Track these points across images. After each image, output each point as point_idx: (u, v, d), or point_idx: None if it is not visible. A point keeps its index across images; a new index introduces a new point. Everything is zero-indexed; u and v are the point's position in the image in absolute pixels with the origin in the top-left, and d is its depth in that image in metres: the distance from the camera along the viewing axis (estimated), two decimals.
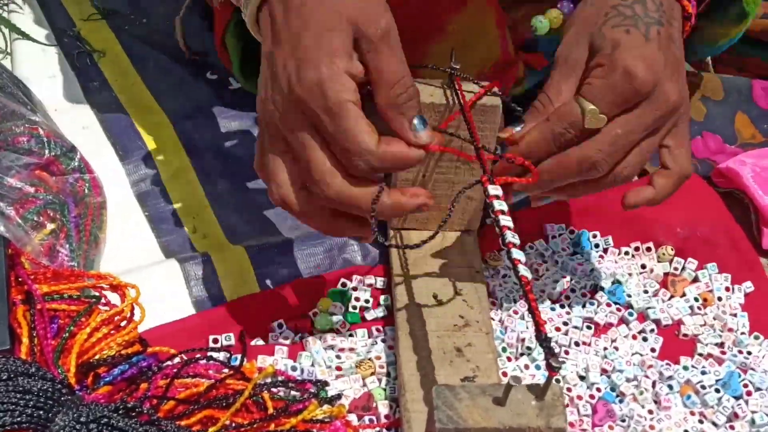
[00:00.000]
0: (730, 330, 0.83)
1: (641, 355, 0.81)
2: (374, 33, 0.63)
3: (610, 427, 0.76)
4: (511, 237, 0.66)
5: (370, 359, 0.79)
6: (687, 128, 0.73)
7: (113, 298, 0.76)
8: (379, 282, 0.84)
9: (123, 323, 0.73)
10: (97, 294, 0.74)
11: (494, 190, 0.68)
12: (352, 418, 0.75)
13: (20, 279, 0.73)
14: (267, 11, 0.65)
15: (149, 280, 0.80)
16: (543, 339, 0.61)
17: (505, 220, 0.66)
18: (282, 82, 0.63)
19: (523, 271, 0.64)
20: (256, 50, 0.90)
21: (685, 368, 0.80)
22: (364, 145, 0.62)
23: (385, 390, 0.77)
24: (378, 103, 0.64)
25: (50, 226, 0.76)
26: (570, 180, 0.71)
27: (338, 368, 0.78)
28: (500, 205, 0.67)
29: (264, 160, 0.67)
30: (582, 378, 0.79)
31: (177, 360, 0.73)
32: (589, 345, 0.81)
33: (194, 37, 1.02)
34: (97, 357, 0.70)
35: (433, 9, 0.83)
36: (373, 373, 0.79)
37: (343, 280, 0.83)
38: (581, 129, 0.69)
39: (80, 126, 0.95)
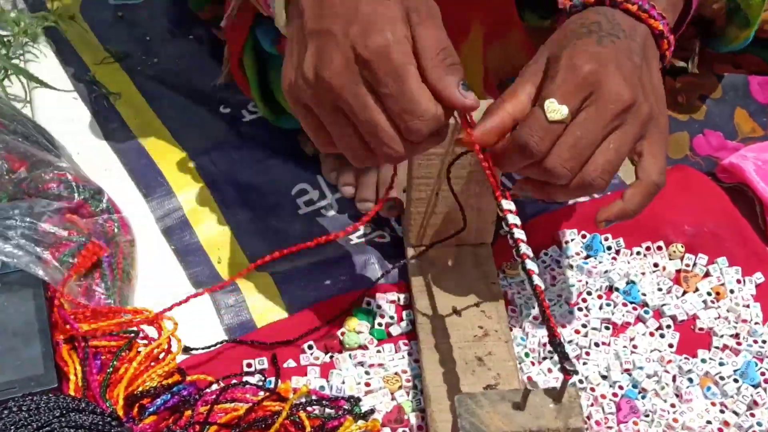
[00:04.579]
0: (744, 321, 0.86)
1: (660, 351, 0.84)
2: (423, 8, 0.66)
3: (635, 423, 0.79)
4: (525, 249, 0.69)
5: (396, 373, 0.82)
6: (662, 140, 0.72)
7: (149, 330, 0.79)
8: (402, 298, 0.87)
9: (162, 355, 0.76)
10: (135, 329, 0.78)
11: (508, 204, 0.71)
12: (386, 431, 0.78)
13: (62, 320, 0.76)
14: None
15: (182, 312, 0.82)
16: (557, 344, 0.64)
17: (519, 233, 0.69)
18: (343, 49, 0.65)
19: (537, 280, 0.67)
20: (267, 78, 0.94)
21: (703, 361, 0.83)
22: (425, 106, 0.65)
23: (412, 402, 0.80)
24: (425, 67, 0.66)
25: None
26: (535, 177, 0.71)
27: (367, 384, 0.81)
28: (514, 219, 0.70)
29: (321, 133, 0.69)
30: (604, 377, 0.82)
31: (215, 387, 0.76)
32: (609, 345, 0.84)
33: None
34: (140, 389, 0.73)
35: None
36: (400, 387, 0.81)
37: (367, 298, 0.87)
38: (546, 129, 0.68)
39: (103, 168, 0.98)
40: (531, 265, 0.68)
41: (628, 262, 0.90)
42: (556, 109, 0.68)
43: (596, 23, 0.72)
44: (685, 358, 0.83)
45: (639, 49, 0.72)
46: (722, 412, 0.80)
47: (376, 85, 0.65)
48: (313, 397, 0.78)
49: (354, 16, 0.65)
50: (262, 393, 0.76)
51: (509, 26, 0.93)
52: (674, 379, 0.82)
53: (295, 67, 0.68)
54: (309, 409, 0.76)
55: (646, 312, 0.86)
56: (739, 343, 0.84)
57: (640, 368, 0.82)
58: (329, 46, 0.66)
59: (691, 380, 0.81)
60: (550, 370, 0.82)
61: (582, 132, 0.68)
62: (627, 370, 0.82)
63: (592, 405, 0.80)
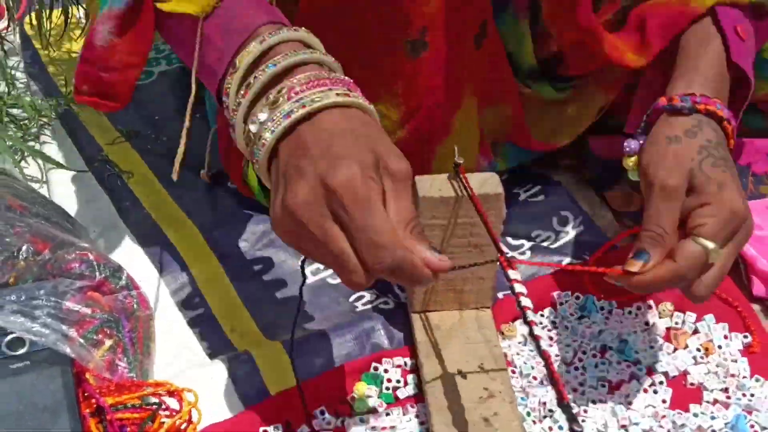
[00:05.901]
0: (733, 375, 0.90)
1: (654, 406, 0.88)
2: (395, 170, 0.69)
3: None
4: (532, 316, 0.73)
5: None
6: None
7: (170, 402, 0.83)
8: (408, 362, 0.91)
9: (183, 426, 0.80)
10: (157, 401, 0.82)
11: (514, 274, 0.75)
12: None
13: (87, 394, 0.80)
14: (292, 138, 0.71)
15: (199, 382, 0.87)
16: (565, 406, 0.69)
17: (526, 302, 0.74)
18: (310, 180, 0.67)
19: (545, 346, 0.72)
20: None
21: (696, 415, 0.87)
22: (388, 237, 0.66)
23: None
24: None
25: (108, 343, 0.84)
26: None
27: None
28: (520, 288, 0.75)
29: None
30: None
31: None
32: (605, 402, 0.88)
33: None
34: None
35: (442, 111, 0.92)
36: None
37: (374, 364, 0.91)
38: (704, 267, 0.76)
39: (118, 244, 1.02)
40: (539, 331, 0.73)
41: (621, 322, 0.95)
42: (717, 257, 0.76)
43: (718, 145, 0.79)
44: (678, 412, 0.87)
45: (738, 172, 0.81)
46: None
47: (342, 215, 0.67)
48: None
49: (325, 154, 0.68)
50: None
51: (504, 95, 0.99)
52: None
53: (273, 204, 0.71)
54: None
55: (640, 369, 0.91)
56: (728, 397, 0.89)
57: (636, 424, 0.86)
58: (298, 178, 0.68)
59: None
60: (551, 429, 0.86)
61: (726, 267, 0.78)
62: (623, 426, 0.86)
63: None
